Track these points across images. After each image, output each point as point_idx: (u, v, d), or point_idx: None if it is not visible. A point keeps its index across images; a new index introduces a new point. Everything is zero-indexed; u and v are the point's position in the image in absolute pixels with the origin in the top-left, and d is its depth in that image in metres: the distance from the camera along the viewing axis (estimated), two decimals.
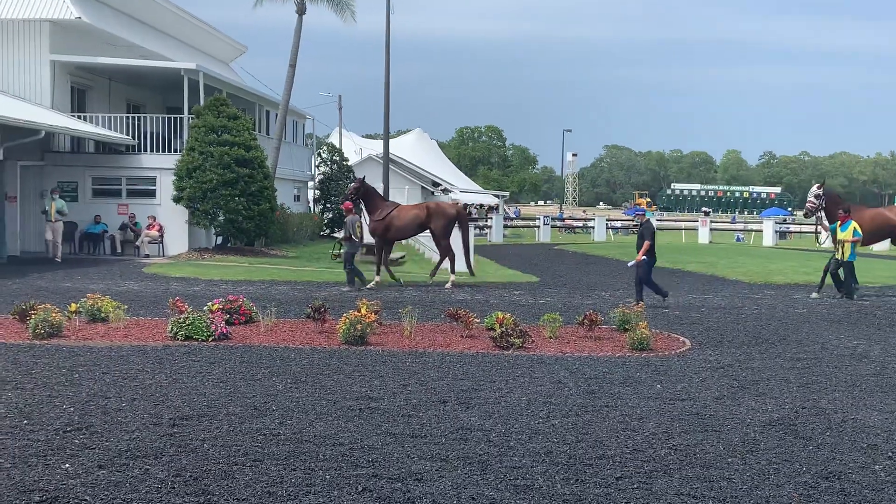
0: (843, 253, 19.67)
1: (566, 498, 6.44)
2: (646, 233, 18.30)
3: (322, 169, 44.59)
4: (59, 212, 27.06)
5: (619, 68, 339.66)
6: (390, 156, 50.05)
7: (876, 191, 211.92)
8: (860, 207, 21.60)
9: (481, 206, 75.01)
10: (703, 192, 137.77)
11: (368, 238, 23.58)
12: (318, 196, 44.33)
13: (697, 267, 29.18)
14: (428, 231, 22.87)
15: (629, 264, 18.07)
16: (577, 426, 8.40)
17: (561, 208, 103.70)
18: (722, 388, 10.31)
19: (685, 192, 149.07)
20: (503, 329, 12.71)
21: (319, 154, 46.34)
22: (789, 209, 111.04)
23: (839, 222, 19.83)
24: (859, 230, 19.61)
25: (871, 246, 22.61)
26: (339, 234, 42.16)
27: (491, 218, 53.49)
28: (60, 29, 30.78)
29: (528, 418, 8.65)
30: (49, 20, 30.07)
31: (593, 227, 55.83)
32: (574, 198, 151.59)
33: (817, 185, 21.66)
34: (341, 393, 9.57)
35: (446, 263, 22.04)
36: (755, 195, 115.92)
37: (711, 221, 50.26)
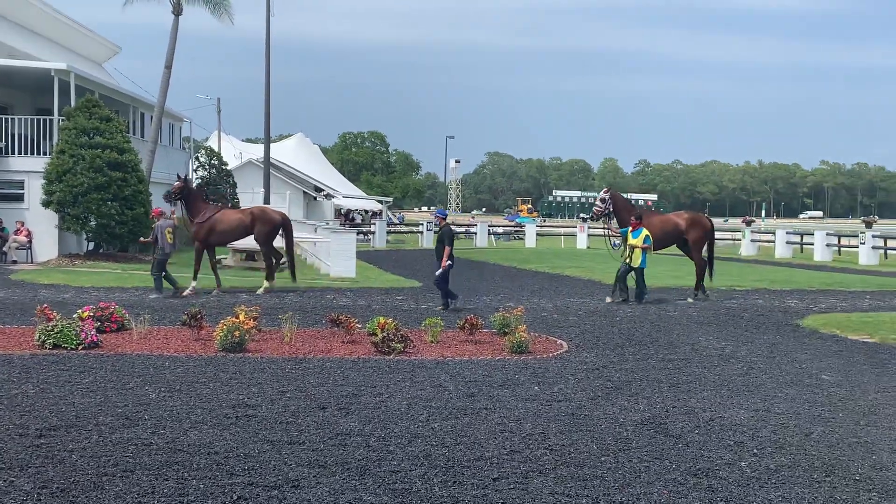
0: (633, 259, 20.09)
1: (443, 500, 6.47)
2: (446, 238, 18.50)
3: (200, 173, 43.76)
4: None
5: (502, 75, 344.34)
6: (271, 160, 49.50)
7: (744, 198, 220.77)
8: (650, 214, 22.33)
9: (366, 211, 74.85)
10: (583, 199, 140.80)
11: (247, 245, 23.21)
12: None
13: (575, 272, 29.76)
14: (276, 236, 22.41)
15: (437, 273, 18.35)
16: (455, 429, 8.46)
17: None
18: (597, 388, 10.54)
19: (567, 199, 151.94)
20: (385, 334, 12.71)
21: (197, 158, 45.46)
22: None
23: (630, 228, 20.29)
24: (650, 237, 20.20)
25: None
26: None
27: (374, 223, 53.38)
28: None
29: (407, 422, 8.66)
30: None
31: (475, 233, 56.30)
32: (457, 204, 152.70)
33: (605, 189, 22.41)
34: (217, 401, 9.40)
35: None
36: (633, 202, 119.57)
37: (589, 228, 51.35)
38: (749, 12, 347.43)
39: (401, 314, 16.92)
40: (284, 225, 21.75)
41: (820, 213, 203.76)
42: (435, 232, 21.14)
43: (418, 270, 30.38)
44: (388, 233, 54.00)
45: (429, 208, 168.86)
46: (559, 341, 14.15)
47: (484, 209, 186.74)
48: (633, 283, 20.28)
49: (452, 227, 18.96)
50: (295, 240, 32.59)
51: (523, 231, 58.21)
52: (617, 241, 21.91)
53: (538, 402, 9.73)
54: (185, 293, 19.71)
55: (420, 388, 10.26)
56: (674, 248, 22.64)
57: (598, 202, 21.76)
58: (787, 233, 46.42)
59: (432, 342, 13.46)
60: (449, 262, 18.14)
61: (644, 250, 19.94)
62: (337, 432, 8.22)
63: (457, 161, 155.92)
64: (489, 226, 59.53)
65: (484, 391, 10.21)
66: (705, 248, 21.77)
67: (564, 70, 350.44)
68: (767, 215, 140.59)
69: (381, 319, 13.57)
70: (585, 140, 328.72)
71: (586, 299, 20.98)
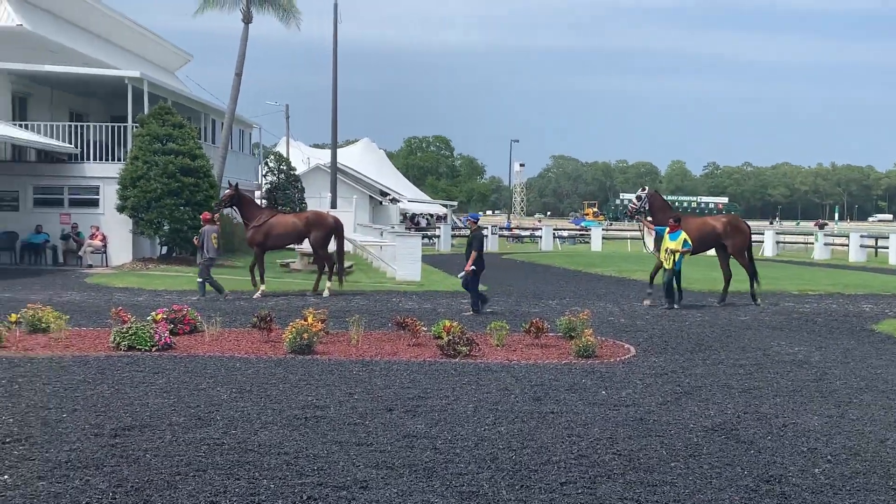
0: (670, 261, 19.70)
1: None
2: (475, 241, 18.38)
3: (269, 178, 44.35)
4: None
5: (567, 77, 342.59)
6: (338, 165, 49.95)
7: (816, 201, 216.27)
8: (687, 217, 21.87)
9: (431, 215, 75.11)
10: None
11: (304, 248, 23.44)
12: (265, 205, 44.01)
13: (642, 276, 29.42)
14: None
15: (459, 276, 18.28)
16: (522, 432, 8.45)
17: (509, 218, 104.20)
18: (665, 393, 10.44)
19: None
20: (450, 337, 12.74)
21: (266, 163, 46.09)
22: None
23: (668, 230, 19.88)
24: (689, 241, 19.76)
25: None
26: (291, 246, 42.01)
27: (439, 227, 53.52)
28: (1, 36, 30.24)
29: (474, 425, 8.68)
30: None
31: (540, 237, 56.14)
32: (522, 208, 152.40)
33: (643, 187, 22.05)
34: (287, 402, 9.52)
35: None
36: (703, 205, 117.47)
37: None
38: (823, 13, 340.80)
39: (466, 317, 16.95)
40: (337, 229, 21.90)
41: (890, 217, 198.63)
42: (467, 235, 21.16)
43: (484, 274, 30.34)
44: (453, 236, 54.12)
45: (493, 212, 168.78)
46: (627, 345, 14.04)
47: (549, 213, 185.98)
48: (660, 280, 19.91)
49: (483, 232, 18.92)
50: (362, 243, 33.01)
51: (589, 234, 57.83)
52: (650, 244, 21.45)
53: (606, 406, 9.67)
54: (254, 297, 20.03)
55: (486, 392, 10.27)
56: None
57: (633, 199, 21.57)
58: (862, 236, 45.41)
59: (498, 345, 13.47)
60: (473, 266, 18.04)
61: (681, 254, 19.56)
62: (404, 434, 8.27)
63: (521, 164, 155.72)
64: (554, 229, 59.28)
65: (550, 395, 10.18)
66: (743, 253, 21.25)
67: (631, 71, 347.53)
68: (840, 218, 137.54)
69: (447, 322, 13.61)
70: (652, 142, 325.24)
71: (711, 303, 20.70)
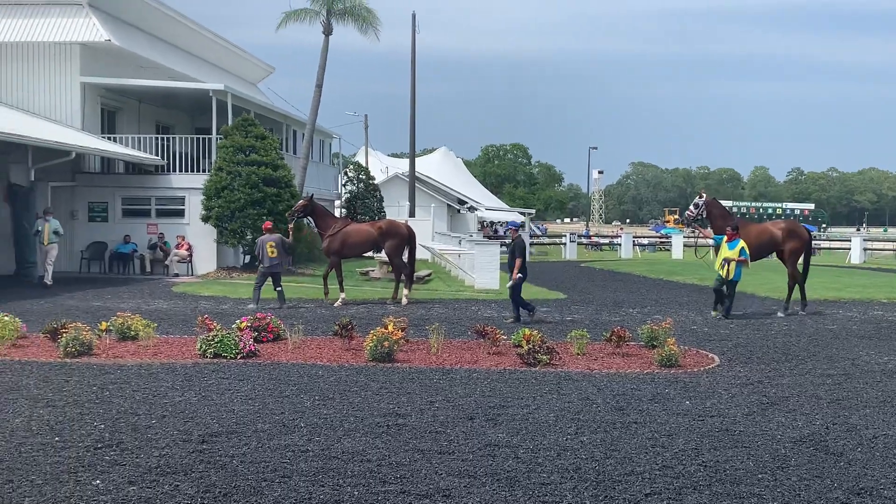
0: (728, 271, 19.13)
1: None
2: (517, 249, 18.14)
3: (349, 188, 44.84)
4: (55, 232, 25.30)
5: (646, 84, 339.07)
6: (416, 174, 50.28)
7: None
8: (746, 224, 21.15)
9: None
10: (734, 209, 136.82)
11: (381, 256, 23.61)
12: (345, 215, 44.52)
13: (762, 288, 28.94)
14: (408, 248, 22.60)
15: (508, 285, 18.13)
16: (605, 442, 8.38)
17: (587, 225, 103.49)
18: (751, 404, 10.24)
19: None
20: (530, 346, 12.70)
21: (346, 173, 46.59)
22: (824, 225, 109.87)
23: (726, 238, 19.28)
24: (747, 250, 19.11)
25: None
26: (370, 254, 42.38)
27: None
28: (90, 51, 31.21)
29: (556, 435, 8.63)
30: (79, 43, 30.50)
31: (620, 245, 55.60)
32: (600, 215, 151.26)
33: (700, 194, 21.39)
34: (369, 409, 9.60)
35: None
36: (788, 211, 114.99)
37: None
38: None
39: (545, 326, 16.89)
40: (410, 238, 22.02)
41: None
42: (507, 244, 21.01)
43: (562, 282, 30.24)
44: (531, 244, 53.93)
45: (572, 220, 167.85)
46: (710, 355, 13.82)
47: (628, 220, 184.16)
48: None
49: (524, 239, 18.82)
50: (440, 251, 33.12)
51: (669, 242, 57.08)
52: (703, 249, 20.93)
53: (690, 416, 9.52)
54: (335, 304, 20.29)
55: (567, 401, 10.21)
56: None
57: (691, 206, 21.03)
58: None
59: (578, 354, 13.38)
60: (520, 274, 17.89)
61: (739, 263, 19.06)
62: (485, 443, 8.27)
63: (600, 172, 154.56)
64: (634, 237, 58.66)
65: (633, 405, 10.07)
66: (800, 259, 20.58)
67: (712, 76, 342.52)
68: None
69: (527, 331, 13.57)
70: (734, 148, 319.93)
71: (737, 312, 20.38)
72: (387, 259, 30.79)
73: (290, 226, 21.88)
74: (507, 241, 53.30)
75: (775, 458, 7.94)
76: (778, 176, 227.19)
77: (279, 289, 20.36)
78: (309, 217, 22.08)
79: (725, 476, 7.38)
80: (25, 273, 26.50)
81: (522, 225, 68.52)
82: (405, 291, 21.38)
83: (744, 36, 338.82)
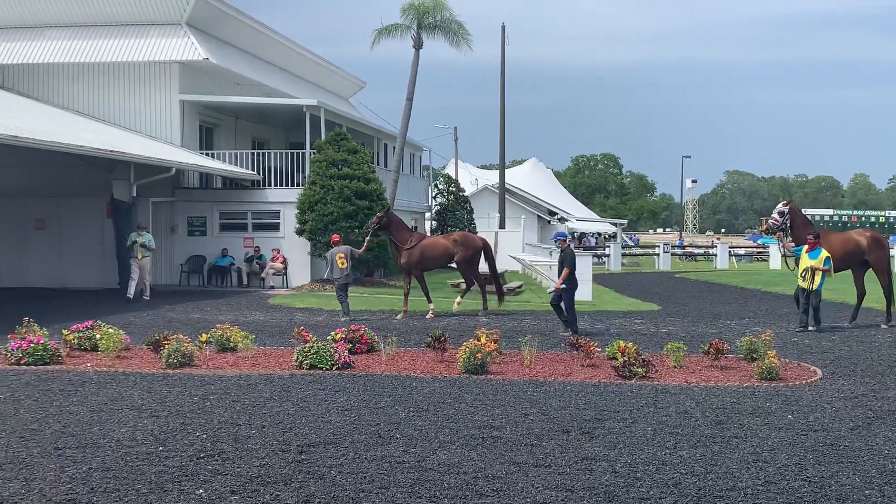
0: (812, 282, 18.30)
1: None
2: (566, 260, 17.65)
3: (439, 200, 45.06)
4: (143, 246, 25.32)
5: (741, 91, 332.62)
6: (506, 186, 50.24)
7: None
8: (828, 232, 20.23)
9: (599, 234, 74.39)
10: (835, 218, 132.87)
11: (483, 269, 23.61)
12: (435, 227, 44.76)
13: (826, 294, 28.16)
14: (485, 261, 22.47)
15: (549, 290, 17.73)
16: (705, 457, 8.21)
17: (681, 235, 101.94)
18: (856, 418, 9.92)
19: (815, 218, 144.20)
20: (625, 358, 12.55)
21: (436, 185, 46.85)
22: None
23: (807, 247, 18.50)
24: (831, 259, 18.33)
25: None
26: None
27: (609, 246, 52.96)
28: (189, 70, 32.10)
29: (654, 449, 8.50)
30: (178, 62, 31.40)
31: (715, 255, 54.62)
32: (694, 225, 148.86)
33: (784, 201, 20.45)
34: (463, 421, 9.60)
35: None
36: (892, 219, 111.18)
37: None
38: None
39: (640, 338, 16.67)
40: (486, 249, 21.96)
41: None
42: (633, 254, 20.61)
43: (656, 293, 29.84)
44: (623, 255, 53.40)
45: (665, 230, 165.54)
46: (812, 367, 13.44)
47: (723, 230, 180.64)
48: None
49: (574, 249, 18.53)
50: (531, 262, 33.02)
51: (767, 252, 55.82)
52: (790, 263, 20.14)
53: (792, 431, 9.27)
54: (427, 317, 20.40)
55: (665, 415, 10.05)
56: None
57: (775, 214, 20.16)
58: None
59: (675, 367, 13.17)
60: (564, 284, 17.43)
61: (823, 273, 18.39)
62: (582, 456, 8.19)
63: (693, 181, 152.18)
64: (730, 247, 57.56)
65: (733, 419, 9.86)
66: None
67: (809, 83, 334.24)
68: None
69: (621, 343, 13.42)
70: (833, 155, 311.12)
71: (840, 323, 19.81)
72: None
73: (367, 239, 22.25)
74: (597, 251, 52.91)
75: (882, 474, 7.68)
76: (879, 184, 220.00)
77: (345, 300, 20.75)
78: (386, 230, 22.30)
79: (831, 492, 7.17)
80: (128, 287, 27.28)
81: (582, 236, 67.85)
82: (470, 304, 21.27)
83: (843, 41, 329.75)
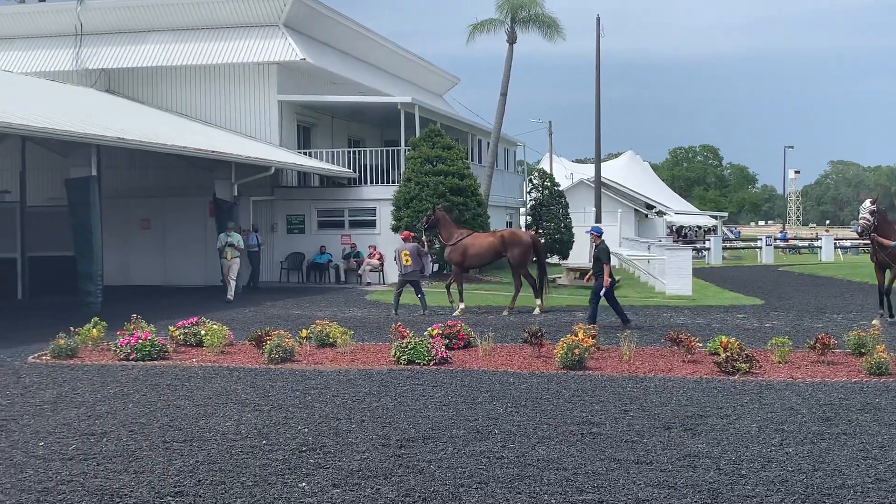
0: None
1: None
2: (602, 255, 17.50)
3: (534, 195, 44.81)
4: (230, 245, 25.04)
5: (846, 79, 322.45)
6: (602, 180, 49.74)
7: None
8: None
9: (698, 227, 73.08)
10: None
11: (580, 264, 23.39)
12: (530, 222, 44.56)
13: None
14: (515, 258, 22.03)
15: (601, 292, 17.29)
16: (813, 454, 7.98)
17: (784, 228, 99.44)
18: None
19: None
20: (728, 353, 12.28)
21: (531, 180, 46.64)
22: None
23: None
24: None
25: None
26: (556, 260, 42.21)
27: (709, 240, 51.97)
28: (287, 70, 32.69)
29: (759, 446, 8.30)
30: (276, 62, 32.01)
31: (820, 247, 53.12)
32: (797, 217, 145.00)
33: (870, 199, 19.08)
34: (562, 417, 9.54)
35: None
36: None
37: None
38: None
39: (743, 333, 16.30)
40: (535, 246, 21.56)
41: None
42: (732, 246, 19.88)
43: (759, 287, 29.16)
44: (724, 248, 52.35)
45: (766, 222, 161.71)
46: None
47: (828, 221, 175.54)
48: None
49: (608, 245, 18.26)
50: (628, 257, 32.63)
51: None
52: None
53: None
54: (454, 314, 20.20)
55: (770, 411, 9.80)
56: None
57: (865, 214, 18.84)
58: None
59: (780, 362, 12.83)
60: (611, 279, 17.45)
61: None
62: (684, 453, 8.04)
63: (796, 172, 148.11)
64: (835, 239, 55.90)
65: (841, 415, 9.56)
66: None
67: None
68: None
69: (724, 338, 13.13)
70: None
71: None
72: (572, 265, 30.71)
73: (424, 238, 22.64)
74: (697, 245, 51.97)
75: None
76: None
77: (420, 295, 20.79)
78: (435, 228, 22.33)
79: None
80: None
81: (681, 229, 66.53)
82: (538, 301, 20.77)
83: None
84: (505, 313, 20.50)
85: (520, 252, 21.36)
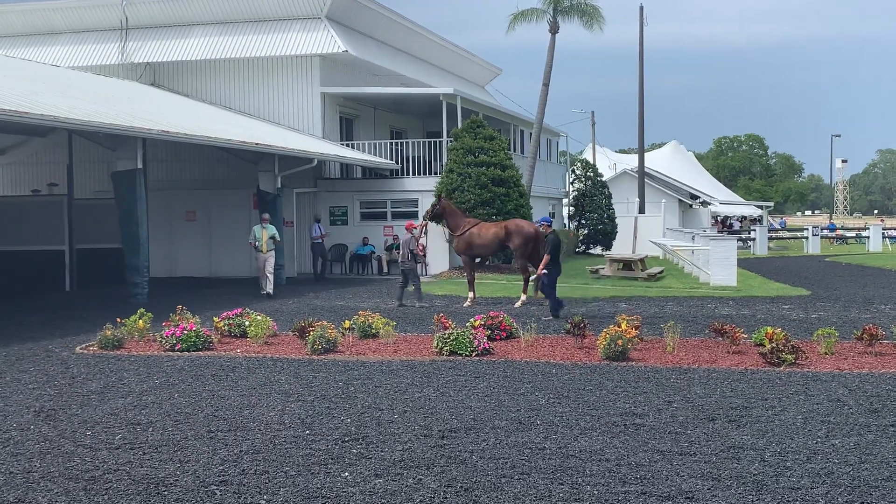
0: None
1: None
2: (549, 245, 17.94)
3: (576, 185, 44.66)
4: (272, 238, 24.02)
5: (892, 66, 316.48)
6: (645, 170, 49.36)
7: None
8: None
9: (743, 217, 72.29)
10: None
11: (624, 254, 23.19)
12: (572, 213, 44.40)
13: None
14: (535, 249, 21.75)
15: (532, 278, 17.43)
16: (860, 446, 7.87)
17: (831, 218, 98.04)
18: None
19: None
20: (773, 345, 12.14)
21: (573, 171, 46.46)
22: None
23: None
24: None
25: None
26: (599, 251, 41.99)
27: (754, 230, 51.40)
28: (329, 63, 32.81)
29: (804, 437, 8.20)
30: (319, 55, 32.14)
31: (868, 237, 52.30)
32: (845, 206, 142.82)
33: None
34: (605, 408, 9.50)
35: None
36: None
37: None
38: None
39: (789, 324, 16.11)
40: (537, 238, 21.24)
41: None
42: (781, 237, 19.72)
43: (805, 278, 28.80)
44: (770, 239, 51.73)
45: (813, 212, 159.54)
46: None
47: (875, 211, 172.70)
48: None
49: (557, 236, 18.71)
50: (673, 248, 32.35)
51: None
52: None
53: None
54: (465, 304, 20.33)
55: (816, 402, 9.68)
56: None
57: None
58: None
59: (826, 354, 12.66)
60: (546, 270, 17.67)
61: None
62: (728, 445, 7.97)
63: (843, 161, 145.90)
64: (883, 229, 55.00)
65: (889, 407, 9.41)
66: None
67: None
68: None
69: (769, 329, 12.98)
70: None
71: None
72: (616, 256, 30.52)
73: (423, 223, 23.10)
74: (742, 235, 51.39)
75: None
76: None
77: (414, 287, 20.89)
78: (441, 217, 22.35)
79: None
80: (276, 275, 28.00)
81: (726, 219, 65.73)
82: (522, 297, 20.43)
83: None
84: (517, 305, 19.97)
85: (520, 242, 21.21)
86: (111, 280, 25.34)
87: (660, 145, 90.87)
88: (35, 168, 32.90)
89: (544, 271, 17.96)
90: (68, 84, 26.25)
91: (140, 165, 21.83)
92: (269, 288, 23.61)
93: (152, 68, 34.41)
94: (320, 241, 29.68)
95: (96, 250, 27.06)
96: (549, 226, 19.03)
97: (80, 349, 14.12)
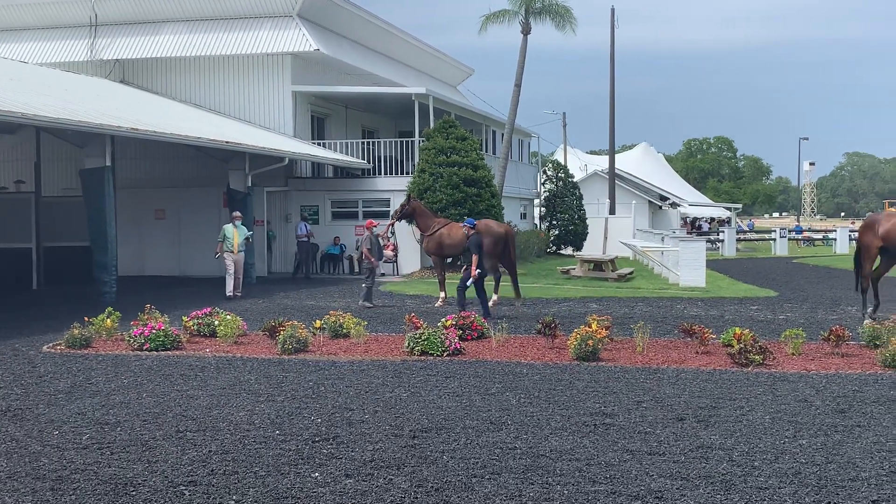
0: None
1: None
2: (472, 246, 18.08)
3: (548, 186, 44.80)
4: (245, 240, 23.80)
5: (861, 70, 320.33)
6: (616, 171, 49.61)
7: None
8: None
9: (712, 219, 72.81)
10: None
11: (594, 255, 23.28)
12: (543, 213, 44.54)
13: None
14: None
15: (468, 282, 17.88)
16: (826, 446, 7.96)
17: (798, 220, 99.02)
18: None
19: None
20: (742, 345, 12.25)
21: (545, 171, 46.60)
22: None
23: None
24: None
25: None
26: (570, 252, 42.15)
27: (723, 231, 51.80)
28: (301, 61, 32.71)
29: (772, 437, 8.28)
30: (290, 53, 32.02)
31: (835, 239, 52.88)
32: (812, 209, 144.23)
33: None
34: (575, 408, 9.54)
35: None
36: None
37: None
38: None
39: (757, 325, 16.25)
40: (507, 239, 21.25)
41: None
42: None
43: (773, 279, 29.07)
44: (738, 240, 52.15)
45: (781, 214, 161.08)
46: None
47: (843, 213, 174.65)
48: None
49: (481, 237, 18.79)
50: (642, 249, 32.53)
51: None
52: None
53: None
54: (436, 304, 20.36)
55: (783, 403, 9.77)
56: None
57: None
58: None
59: (793, 354, 12.79)
60: (479, 270, 17.85)
61: None
62: (697, 445, 8.03)
63: (811, 163, 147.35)
64: (850, 231, 55.59)
65: (855, 407, 9.52)
66: None
67: None
68: None
69: (737, 330, 13.10)
70: None
71: None
72: (587, 256, 30.65)
73: (389, 224, 23.47)
74: (711, 236, 51.76)
75: None
76: None
77: (365, 285, 20.81)
78: (411, 217, 22.38)
79: None
80: (246, 274, 27.80)
81: (695, 221, 66.23)
82: (494, 297, 20.33)
83: None
84: (490, 305, 19.96)
85: (488, 243, 21.04)
86: (79, 278, 25.09)
87: (630, 147, 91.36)
88: (2, 165, 32.51)
89: (478, 271, 18.01)
90: (37, 81, 25.98)
91: (109, 163, 21.63)
92: (238, 289, 23.14)
93: (121, 65, 34.14)
94: (307, 239, 29.59)
95: (64, 248, 26.79)
96: (472, 227, 19.10)
97: (48, 348, 13.98)
